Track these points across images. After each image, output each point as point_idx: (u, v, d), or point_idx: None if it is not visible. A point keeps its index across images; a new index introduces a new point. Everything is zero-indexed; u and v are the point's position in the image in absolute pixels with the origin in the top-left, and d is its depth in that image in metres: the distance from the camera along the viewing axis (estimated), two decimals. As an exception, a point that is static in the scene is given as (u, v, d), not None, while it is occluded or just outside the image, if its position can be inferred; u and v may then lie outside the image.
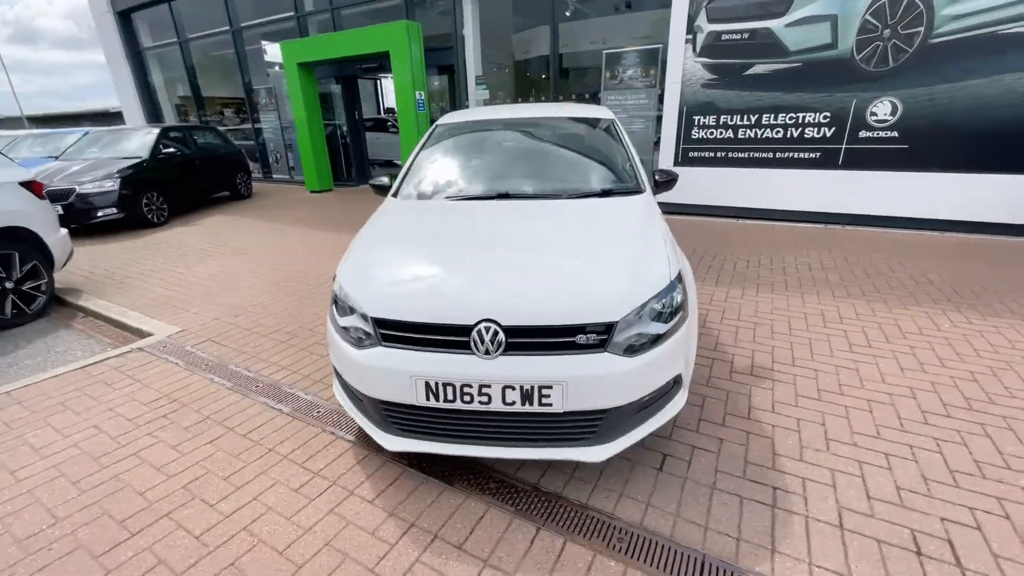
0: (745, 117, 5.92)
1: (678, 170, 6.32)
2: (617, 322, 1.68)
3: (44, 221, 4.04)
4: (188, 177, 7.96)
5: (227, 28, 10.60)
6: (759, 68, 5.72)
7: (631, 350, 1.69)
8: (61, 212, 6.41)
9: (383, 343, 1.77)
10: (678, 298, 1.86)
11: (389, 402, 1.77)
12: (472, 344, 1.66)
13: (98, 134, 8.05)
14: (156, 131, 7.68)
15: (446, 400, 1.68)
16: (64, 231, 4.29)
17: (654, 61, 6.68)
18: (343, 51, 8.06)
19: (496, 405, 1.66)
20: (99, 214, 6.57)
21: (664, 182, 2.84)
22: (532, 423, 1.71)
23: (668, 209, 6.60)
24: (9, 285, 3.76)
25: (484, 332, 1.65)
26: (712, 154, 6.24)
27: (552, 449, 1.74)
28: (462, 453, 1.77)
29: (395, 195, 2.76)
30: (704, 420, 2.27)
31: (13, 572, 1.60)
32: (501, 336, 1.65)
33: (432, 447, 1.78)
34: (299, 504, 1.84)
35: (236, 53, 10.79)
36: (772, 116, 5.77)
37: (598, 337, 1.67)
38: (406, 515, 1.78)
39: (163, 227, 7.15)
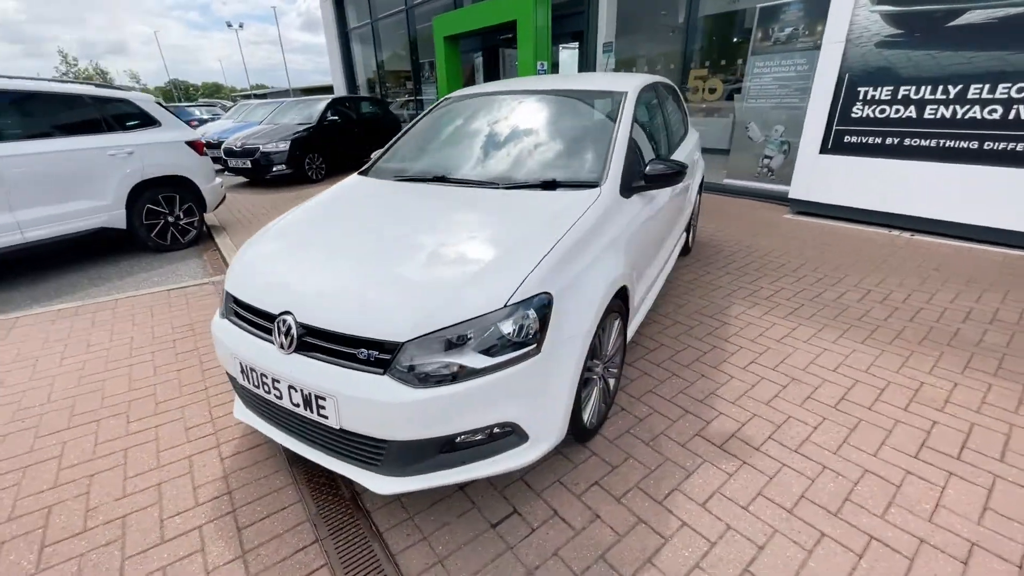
0: (940, 89, 4.17)
1: (826, 159, 4.92)
2: (401, 344, 1.40)
3: (201, 172, 5.22)
4: (347, 141, 9.29)
5: (403, 7, 11.79)
6: (974, 15, 3.91)
7: (424, 379, 1.40)
8: (248, 166, 8.23)
9: (227, 316, 1.82)
10: (525, 328, 1.46)
11: (229, 373, 1.84)
12: (274, 334, 1.59)
13: (290, 104, 9.93)
14: (325, 102, 9.11)
15: (253, 384, 1.66)
16: (218, 180, 5.48)
17: (823, 15, 5.14)
18: (478, 23, 8.22)
19: (285, 403, 1.58)
20: (273, 169, 8.20)
21: (657, 176, 2.18)
22: (319, 430, 1.58)
23: (804, 209, 5.21)
24: (171, 219, 5.02)
25: (282, 324, 1.56)
26: (879, 140, 4.61)
27: (342, 463, 1.58)
28: (272, 438, 1.75)
29: (362, 172, 2.73)
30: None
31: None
32: (295, 332, 1.54)
33: (258, 425, 1.80)
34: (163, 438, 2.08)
35: (408, 30, 11.97)
36: (985, 87, 3.94)
37: (379, 356, 1.43)
38: (231, 483, 1.85)
39: (319, 183, 8.54)
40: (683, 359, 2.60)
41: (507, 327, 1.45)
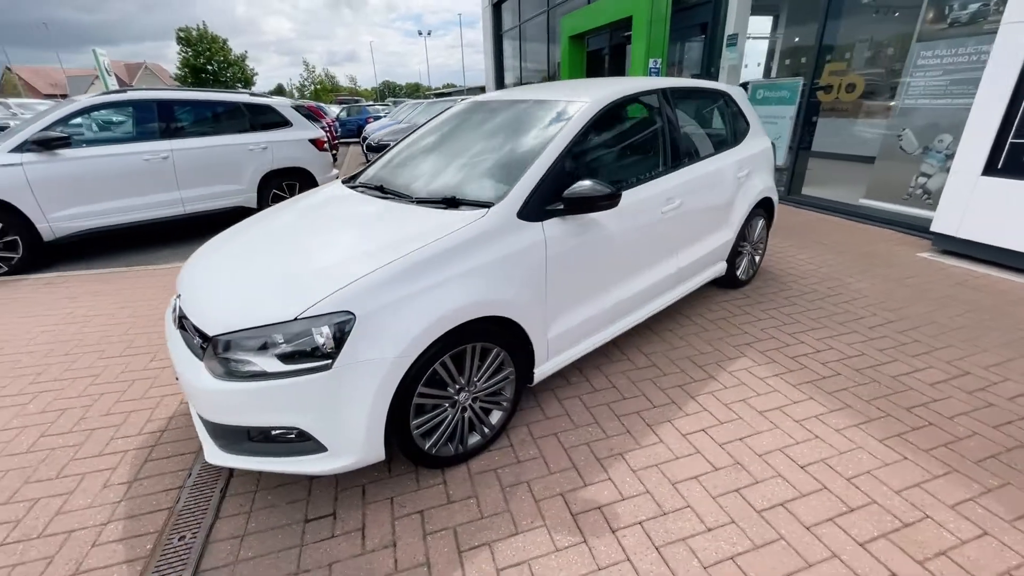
0: None
1: (992, 182, 3.65)
2: (209, 337, 1.58)
3: (318, 165, 6.24)
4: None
5: (544, 9, 12.02)
6: None
7: (227, 373, 1.57)
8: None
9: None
10: (318, 342, 1.52)
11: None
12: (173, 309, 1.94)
13: (428, 104, 11.03)
14: (454, 101, 9.90)
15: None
16: (334, 172, 6.49)
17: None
18: (598, 20, 7.97)
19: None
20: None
21: (577, 200, 1.93)
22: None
23: (950, 247, 3.94)
24: (291, 203, 6.13)
25: (176, 301, 1.89)
26: (1083, 160, 3.19)
27: (200, 428, 1.85)
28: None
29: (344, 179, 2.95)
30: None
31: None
32: (179, 311, 1.85)
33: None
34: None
35: (547, 31, 12.17)
36: None
37: (202, 345, 1.63)
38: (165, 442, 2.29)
39: None
40: (622, 408, 2.28)
41: (298, 339, 1.52)
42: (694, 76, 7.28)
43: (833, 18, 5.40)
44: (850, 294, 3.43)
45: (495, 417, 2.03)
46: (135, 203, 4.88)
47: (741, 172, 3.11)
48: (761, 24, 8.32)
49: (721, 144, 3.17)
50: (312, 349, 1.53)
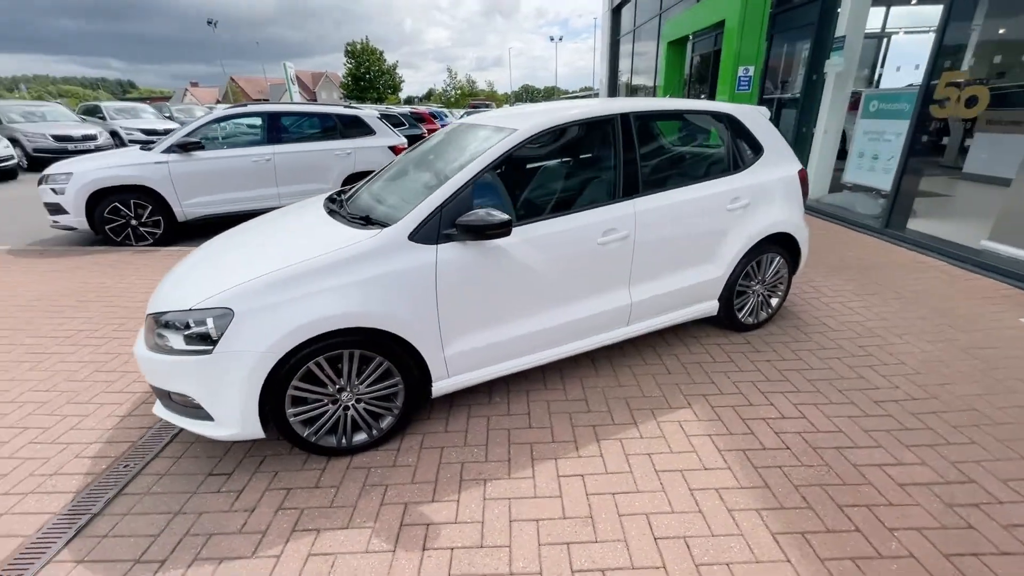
0: None
1: None
2: (147, 314, 2.02)
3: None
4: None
5: (656, 13, 11.49)
6: None
7: (155, 346, 1.99)
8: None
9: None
10: (209, 329, 1.85)
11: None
12: None
13: None
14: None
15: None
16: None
17: None
18: (693, 26, 7.45)
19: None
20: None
21: (468, 227, 1.99)
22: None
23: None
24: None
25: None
26: None
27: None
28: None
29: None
30: (291, 493, 1.98)
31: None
32: None
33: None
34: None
35: (657, 36, 11.63)
36: None
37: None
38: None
39: None
40: (520, 437, 2.26)
41: (197, 327, 1.87)
42: (773, 85, 6.41)
43: (956, 19, 4.36)
44: (884, 358, 2.83)
45: (385, 421, 2.20)
46: (244, 195, 6.00)
47: (736, 203, 2.78)
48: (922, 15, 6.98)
49: (710, 171, 2.88)
50: (204, 335, 1.87)
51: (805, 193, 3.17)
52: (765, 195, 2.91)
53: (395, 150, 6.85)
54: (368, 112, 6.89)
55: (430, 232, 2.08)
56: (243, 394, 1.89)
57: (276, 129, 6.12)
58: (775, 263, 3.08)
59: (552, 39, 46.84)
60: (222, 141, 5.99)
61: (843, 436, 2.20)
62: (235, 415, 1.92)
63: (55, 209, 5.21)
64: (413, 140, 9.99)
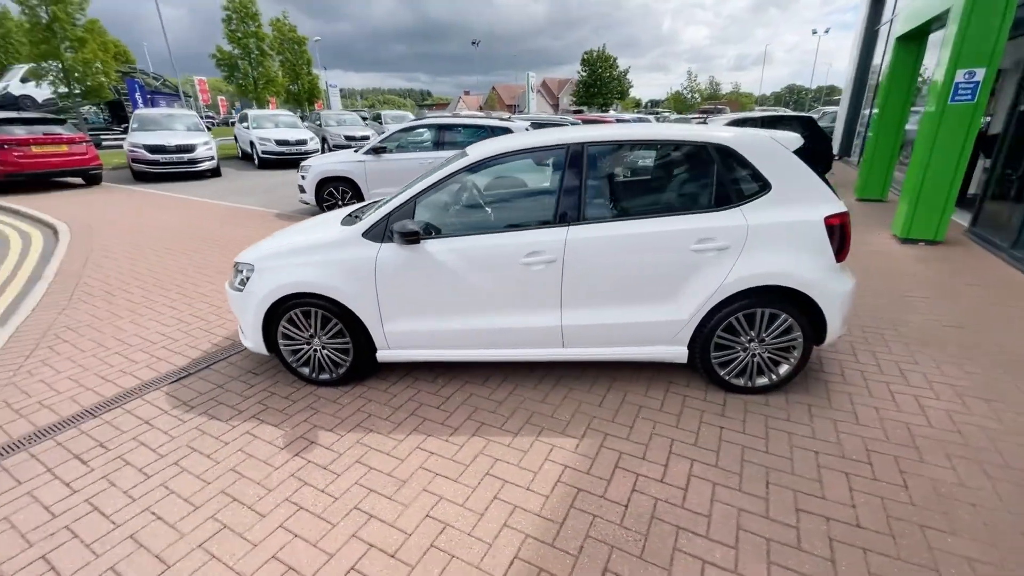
0: None
1: None
2: (235, 262, 3.21)
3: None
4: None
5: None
6: None
7: (231, 283, 3.18)
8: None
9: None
10: (244, 275, 2.92)
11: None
12: None
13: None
14: (728, 119, 9.15)
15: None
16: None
17: None
18: (918, 19, 5.75)
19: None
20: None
21: (398, 233, 2.52)
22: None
23: None
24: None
25: None
26: None
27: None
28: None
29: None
30: (272, 396, 2.93)
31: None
32: None
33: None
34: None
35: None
36: None
37: (237, 266, 3.29)
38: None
39: None
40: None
41: (241, 272, 2.95)
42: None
43: None
44: (890, 472, 2.12)
45: (342, 369, 2.94)
46: (411, 190, 7.65)
47: (705, 243, 2.48)
48: None
49: (678, 206, 2.61)
50: (244, 280, 2.94)
51: (843, 244, 2.53)
52: (759, 239, 2.49)
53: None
54: (519, 124, 7.75)
55: (378, 234, 2.70)
56: (254, 323, 2.89)
57: (442, 138, 7.53)
58: (780, 323, 2.58)
59: (815, 32, 39.22)
60: (405, 146, 7.72)
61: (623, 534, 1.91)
62: (250, 335, 2.96)
63: (301, 190, 7.72)
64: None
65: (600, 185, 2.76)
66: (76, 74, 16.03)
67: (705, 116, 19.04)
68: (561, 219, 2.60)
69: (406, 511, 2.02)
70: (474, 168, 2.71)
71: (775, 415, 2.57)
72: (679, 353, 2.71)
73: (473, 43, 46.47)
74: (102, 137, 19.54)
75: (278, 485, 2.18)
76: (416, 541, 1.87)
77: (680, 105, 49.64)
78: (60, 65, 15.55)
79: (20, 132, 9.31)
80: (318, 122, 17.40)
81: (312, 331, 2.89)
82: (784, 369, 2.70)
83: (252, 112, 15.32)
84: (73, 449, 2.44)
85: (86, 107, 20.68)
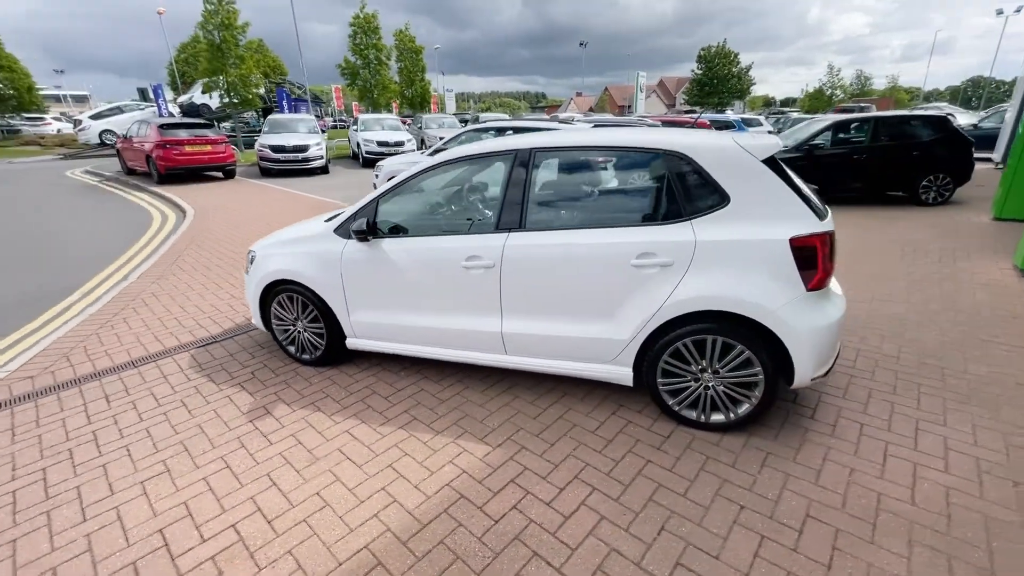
0: None
1: None
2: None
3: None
4: (831, 169, 7.92)
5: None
6: None
7: (246, 268, 3.68)
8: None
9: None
10: (249, 261, 3.37)
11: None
12: None
13: (818, 122, 9.14)
14: (822, 124, 7.98)
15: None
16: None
17: None
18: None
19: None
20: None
21: (353, 232, 2.73)
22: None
23: None
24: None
25: None
26: None
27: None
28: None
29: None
30: (264, 368, 3.35)
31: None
32: None
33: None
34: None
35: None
36: None
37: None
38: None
39: None
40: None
41: (250, 258, 3.40)
42: None
43: None
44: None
45: (318, 353, 3.24)
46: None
47: (646, 259, 2.27)
48: None
49: (622, 218, 2.43)
50: (250, 262, 3.39)
51: (816, 270, 2.13)
52: (708, 258, 2.21)
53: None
54: (581, 124, 7.62)
55: (345, 230, 2.93)
56: (253, 303, 3.33)
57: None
58: (736, 355, 2.27)
59: (1000, 12, 31.22)
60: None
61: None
62: (253, 308, 3.40)
63: (374, 187, 8.47)
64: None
65: (546, 193, 2.67)
66: (236, 87, 19.24)
67: (779, 115, 16.60)
68: (503, 226, 2.58)
69: (304, 486, 2.20)
70: (430, 173, 2.81)
71: (719, 457, 2.27)
72: (623, 375, 2.52)
73: (581, 44, 46.28)
74: (255, 138, 23.31)
75: (222, 444, 2.51)
76: (294, 514, 2.03)
77: (818, 103, 43.81)
78: (224, 79, 18.80)
79: (183, 134, 11.55)
80: (419, 125, 18.78)
81: (295, 315, 3.23)
82: (744, 408, 2.37)
83: (363, 116, 17.07)
84: (107, 391, 3.05)
85: (248, 113, 24.56)
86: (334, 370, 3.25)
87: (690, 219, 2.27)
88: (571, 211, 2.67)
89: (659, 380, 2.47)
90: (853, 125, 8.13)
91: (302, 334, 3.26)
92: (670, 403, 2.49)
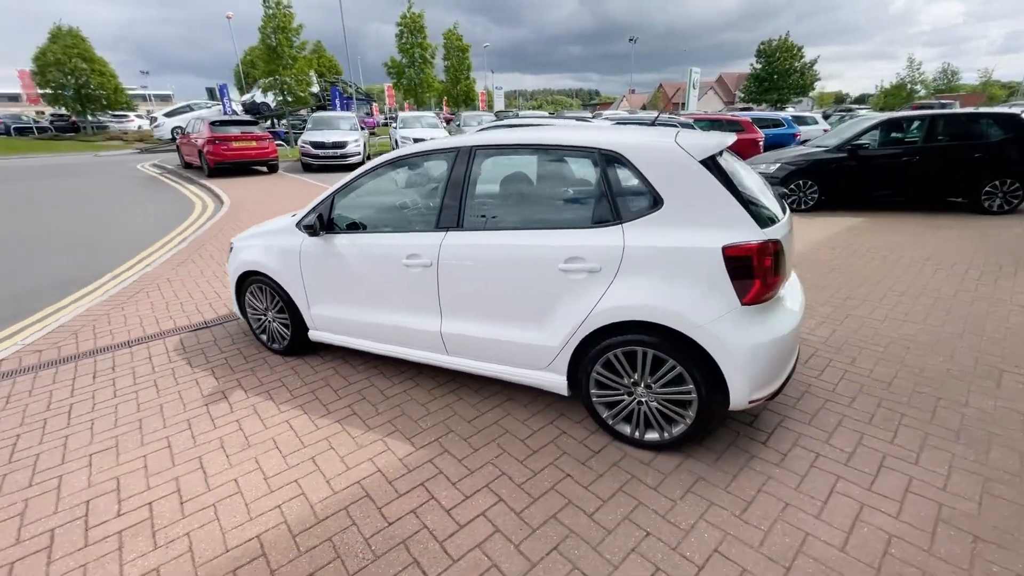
0: None
1: None
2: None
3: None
4: (877, 171, 7.24)
5: None
6: None
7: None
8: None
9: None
10: (230, 252, 3.54)
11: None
12: None
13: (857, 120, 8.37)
14: (869, 123, 7.29)
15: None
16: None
17: None
18: None
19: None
20: (753, 189, 8.18)
21: (302, 226, 2.81)
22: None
23: None
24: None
25: None
26: None
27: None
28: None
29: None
30: (239, 355, 3.51)
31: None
32: None
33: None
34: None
35: None
36: None
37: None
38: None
39: (801, 213, 7.65)
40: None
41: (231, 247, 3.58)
42: None
43: None
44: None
45: (286, 343, 3.34)
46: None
47: (575, 264, 2.15)
48: None
49: (558, 219, 2.35)
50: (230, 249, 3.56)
51: (755, 281, 1.93)
52: (637, 265, 2.06)
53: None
54: (603, 122, 7.39)
55: (303, 226, 3.00)
56: (233, 291, 3.49)
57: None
58: (667, 370, 2.11)
59: None
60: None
61: (452, 567, 1.72)
62: (232, 302, 3.56)
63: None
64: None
65: (485, 192, 2.60)
66: (290, 86, 20.32)
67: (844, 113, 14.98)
68: (442, 224, 2.54)
69: (227, 471, 2.27)
70: (381, 170, 2.82)
71: (643, 478, 2.13)
72: (557, 383, 2.42)
73: (631, 40, 45.04)
74: (308, 135, 24.68)
75: (172, 424, 2.65)
76: (206, 497, 2.11)
77: (894, 100, 40.11)
78: (279, 79, 19.91)
79: (232, 131, 12.35)
80: (459, 122, 19.01)
81: (265, 305, 3.35)
82: (678, 428, 2.20)
83: (403, 114, 17.50)
84: (97, 368, 3.31)
85: (304, 110, 25.90)
86: (299, 360, 3.34)
87: (621, 223, 2.14)
88: (508, 211, 2.59)
89: (592, 391, 2.34)
90: (906, 123, 7.38)
91: (271, 324, 3.38)
92: (604, 416, 2.36)
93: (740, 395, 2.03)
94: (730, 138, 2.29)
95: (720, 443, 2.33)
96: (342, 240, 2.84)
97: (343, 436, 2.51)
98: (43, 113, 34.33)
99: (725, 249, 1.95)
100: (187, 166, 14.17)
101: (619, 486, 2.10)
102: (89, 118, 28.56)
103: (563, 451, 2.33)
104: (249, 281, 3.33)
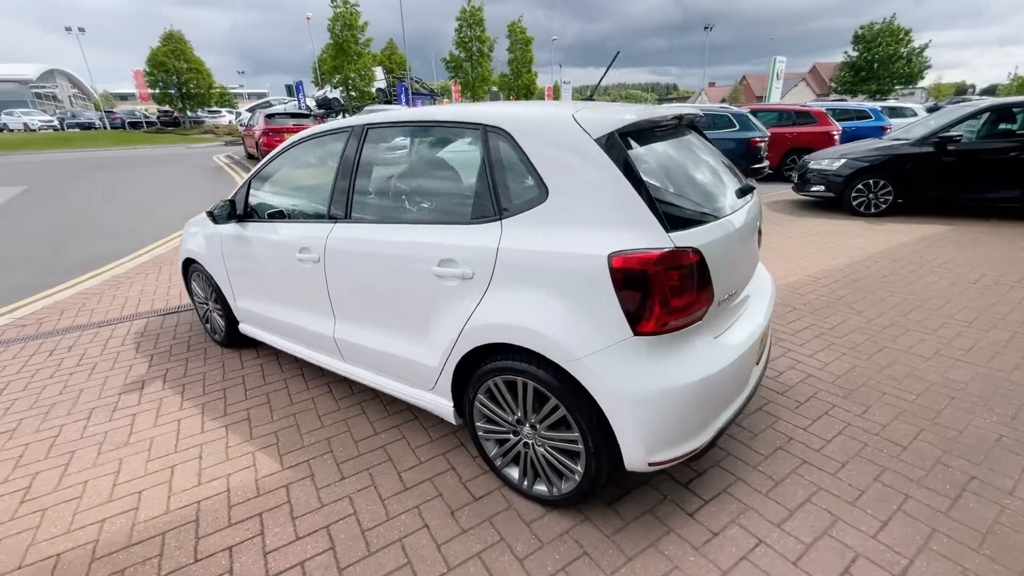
0: None
1: None
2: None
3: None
4: (973, 169, 5.93)
5: None
6: None
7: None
8: (795, 179, 7.50)
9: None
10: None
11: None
12: None
13: (953, 112, 6.91)
14: (966, 111, 5.96)
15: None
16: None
17: None
18: None
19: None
20: (812, 188, 7.08)
21: (209, 213, 2.65)
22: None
23: None
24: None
25: None
26: None
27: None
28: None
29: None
30: (187, 343, 3.45)
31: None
32: None
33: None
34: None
35: None
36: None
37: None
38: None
39: (869, 218, 6.50)
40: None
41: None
42: None
43: None
44: None
45: (221, 336, 3.23)
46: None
47: (448, 268, 1.74)
48: None
49: (442, 212, 2.00)
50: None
51: (654, 303, 1.41)
52: (510, 271, 1.61)
53: (750, 143, 8.39)
54: (737, 110, 6.79)
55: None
56: (182, 278, 3.44)
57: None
58: (550, 409, 1.64)
59: None
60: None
61: (230, 631, 1.41)
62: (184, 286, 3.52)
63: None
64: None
65: (374, 179, 2.23)
66: (355, 82, 21.14)
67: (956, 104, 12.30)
68: (332, 215, 2.22)
69: (88, 470, 2.13)
70: (289, 152, 2.55)
71: (515, 542, 1.68)
72: (444, 408, 2.01)
73: (705, 28, 42.09)
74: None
75: (77, 412, 2.58)
76: (47, 499, 1.96)
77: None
78: (345, 75, 20.78)
79: (287, 123, 12.98)
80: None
81: (206, 294, 3.25)
82: (567, 486, 1.72)
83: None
84: (59, 345, 3.39)
85: (371, 104, 26.80)
86: (234, 353, 3.21)
87: (500, 219, 1.69)
88: (392, 202, 2.22)
89: (477, 423, 1.92)
90: (1021, 111, 5.97)
91: (212, 314, 3.28)
92: (491, 454, 1.93)
93: (635, 455, 1.52)
94: (662, 109, 1.76)
95: (634, 507, 1.81)
96: (251, 229, 2.63)
97: (219, 444, 2.29)
98: (154, 110, 38.86)
99: (611, 258, 1.44)
100: (250, 156, 15.15)
101: (481, 548, 1.67)
102: (188, 113, 31.83)
103: (439, 492, 1.93)
104: (192, 269, 3.24)
